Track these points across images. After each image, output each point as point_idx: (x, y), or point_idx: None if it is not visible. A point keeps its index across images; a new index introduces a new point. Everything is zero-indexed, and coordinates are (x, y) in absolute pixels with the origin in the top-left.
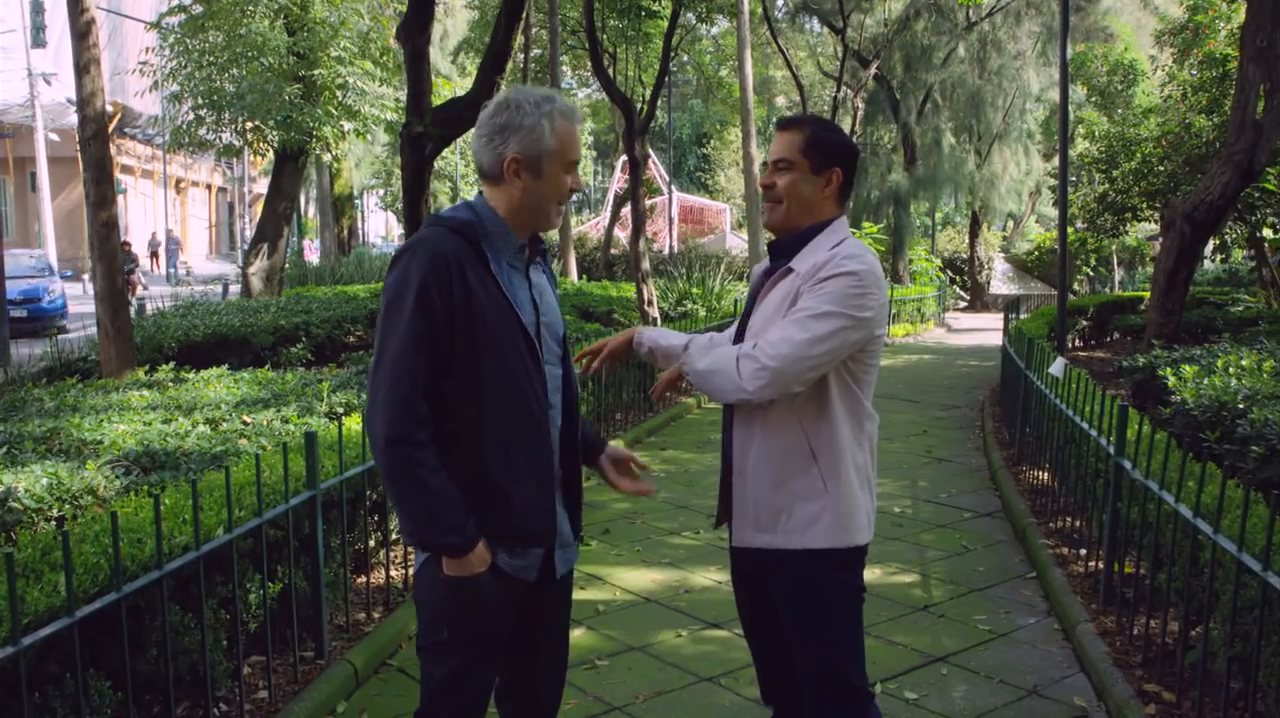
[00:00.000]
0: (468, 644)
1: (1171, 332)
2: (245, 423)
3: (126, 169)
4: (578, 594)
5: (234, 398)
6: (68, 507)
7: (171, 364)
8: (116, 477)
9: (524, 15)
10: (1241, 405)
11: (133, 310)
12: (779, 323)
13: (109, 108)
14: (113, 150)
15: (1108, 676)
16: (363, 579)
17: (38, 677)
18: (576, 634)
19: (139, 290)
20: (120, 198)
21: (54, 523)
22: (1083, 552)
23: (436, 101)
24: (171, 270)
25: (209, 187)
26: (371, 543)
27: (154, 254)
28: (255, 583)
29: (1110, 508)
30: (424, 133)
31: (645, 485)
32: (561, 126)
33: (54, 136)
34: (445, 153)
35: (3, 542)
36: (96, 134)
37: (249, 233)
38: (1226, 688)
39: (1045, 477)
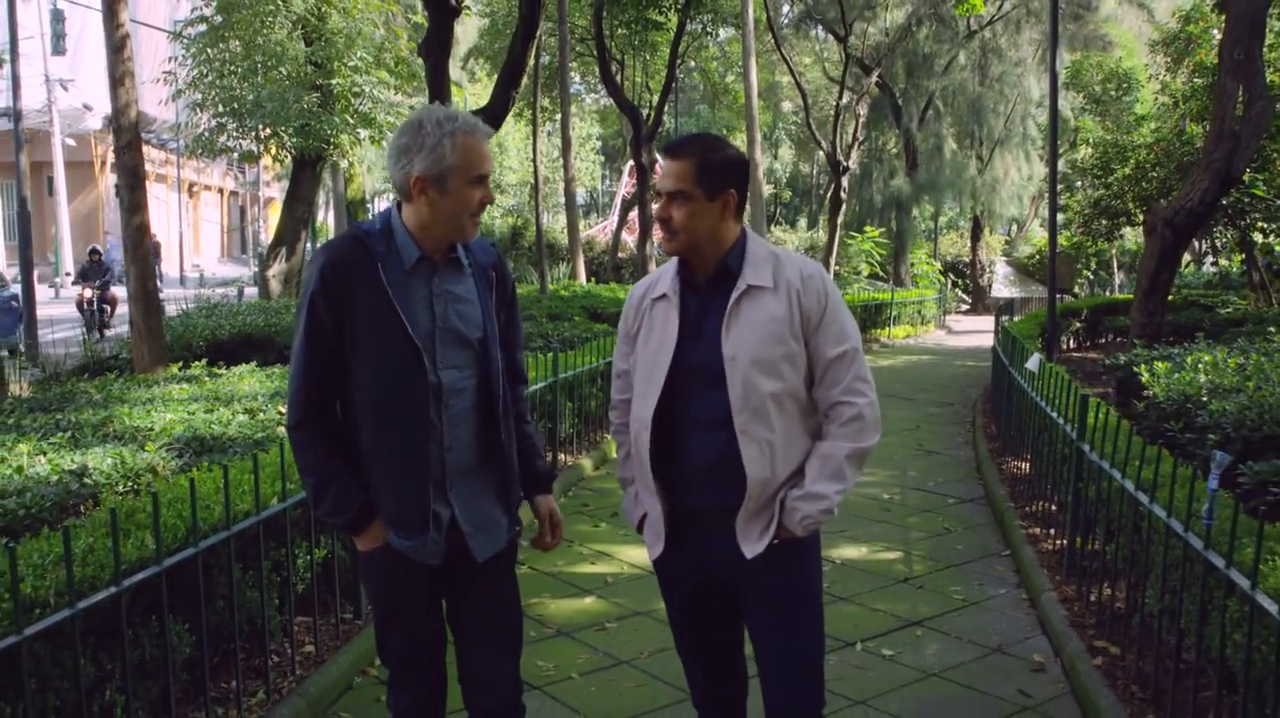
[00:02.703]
0: (379, 610)
1: (1154, 331)
2: (280, 413)
3: None
4: (589, 568)
5: (267, 391)
6: (132, 483)
7: (204, 361)
8: (173, 458)
9: (538, 31)
10: (1204, 398)
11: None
12: (834, 365)
13: None
14: None
15: (1064, 635)
16: None
17: (129, 618)
18: (588, 602)
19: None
20: None
21: (122, 497)
22: (1052, 531)
23: None
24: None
25: (221, 190)
26: None
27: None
28: (303, 549)
29: (1072, 489)
30: None
31: (547, 545)
32: (464, 143)
33: (70, 141)
34: None
35: (85, 510)
36: (130, 143)
37: (264, 236)
38: (1159, 636)
39: (1025, 467)
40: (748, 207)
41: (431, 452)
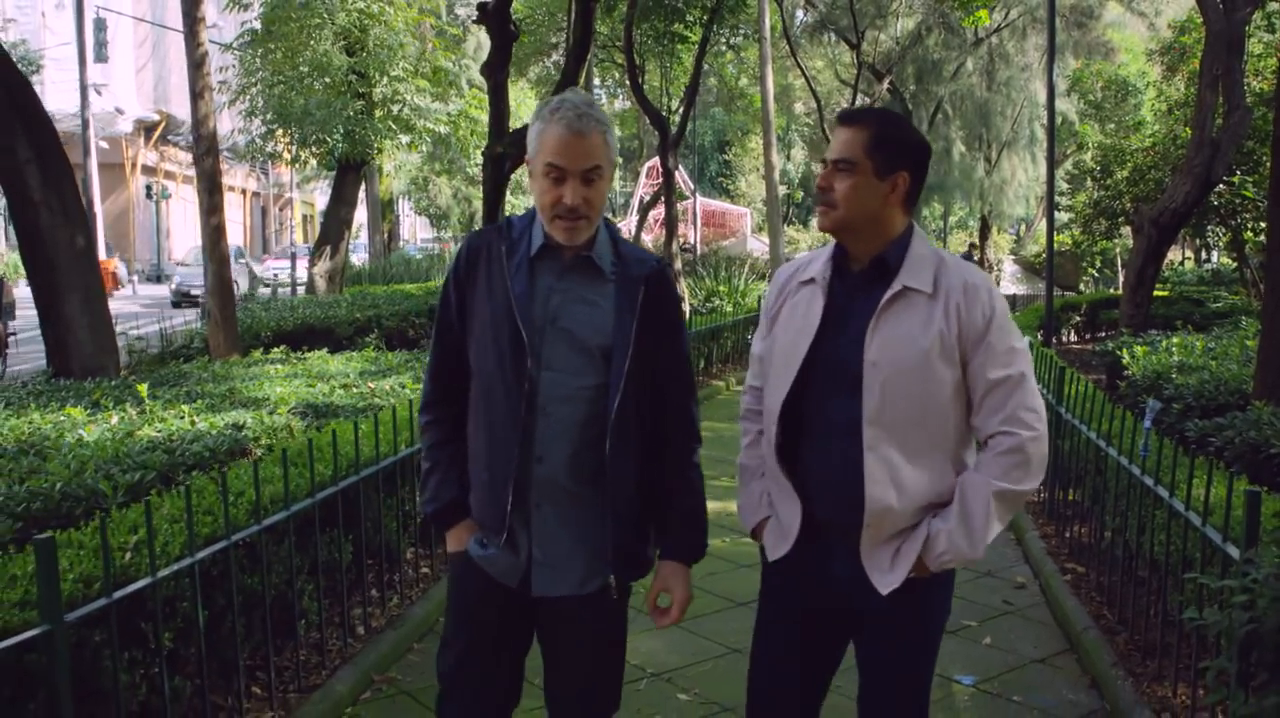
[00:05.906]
0: (450, 617)
1: (1141, 322)
2: (370, 388)
3: (169, 175)
4: None
5: (354, 370)
6: (272, 438)
7: (284, 348)
8: (300, 419)
9: (589, 50)
10: (1173, 374)
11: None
12: (995, 390)
13: (154, 115)
14: (156, 157)
15: (1042, 561)
16: None
17: (319, 526)
18: None
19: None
20: (165, 203)
21: (267, 450)
22: (1040, 487)
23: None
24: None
25: (244, 191)
26: None
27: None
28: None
29: (1052, 447)
30: (504, 153)
31: (661, 622)
32: (542, 128)
33: (103, 144)
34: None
35: (236, 459)
36: (208, 151)
37: (295, 236)
38: (1112, 554)
39: None
40: (764, 208)
41: (519, 457)
